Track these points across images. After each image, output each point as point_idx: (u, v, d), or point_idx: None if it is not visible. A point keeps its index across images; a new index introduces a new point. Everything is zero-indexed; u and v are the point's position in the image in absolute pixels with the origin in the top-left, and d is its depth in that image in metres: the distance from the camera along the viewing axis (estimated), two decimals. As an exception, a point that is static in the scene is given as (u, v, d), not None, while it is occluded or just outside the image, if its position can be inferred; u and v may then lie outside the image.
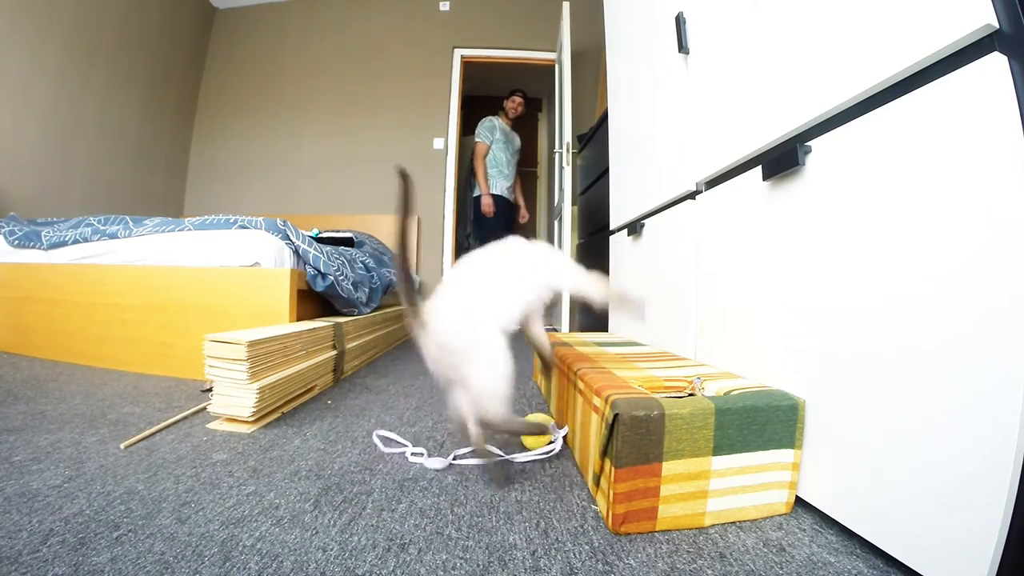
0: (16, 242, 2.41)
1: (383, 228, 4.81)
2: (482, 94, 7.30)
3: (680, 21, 1.56)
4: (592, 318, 3.19)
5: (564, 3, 4.22)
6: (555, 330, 4.03)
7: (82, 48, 3.93)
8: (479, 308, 1.05)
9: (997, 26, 0.63)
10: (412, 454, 1.23)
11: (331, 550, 0.81)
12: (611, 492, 0.88)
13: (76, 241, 2.28)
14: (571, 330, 3.77)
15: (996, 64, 0.62)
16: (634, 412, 0.87)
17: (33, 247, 2.38)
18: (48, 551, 0.77)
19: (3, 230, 2.49)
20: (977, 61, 0.64)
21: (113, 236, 2.22)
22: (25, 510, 0.88)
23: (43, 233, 2.37)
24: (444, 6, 5.36)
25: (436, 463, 1.17)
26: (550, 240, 5.58)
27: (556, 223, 4.58)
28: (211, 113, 5.42)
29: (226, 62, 5.48)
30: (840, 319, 0.87)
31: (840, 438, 0.87)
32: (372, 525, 0.89)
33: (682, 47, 1.55)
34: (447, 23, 5.35)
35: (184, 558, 0.77)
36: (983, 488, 0.62)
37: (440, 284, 1.09)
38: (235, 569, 0.75)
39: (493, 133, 4.73)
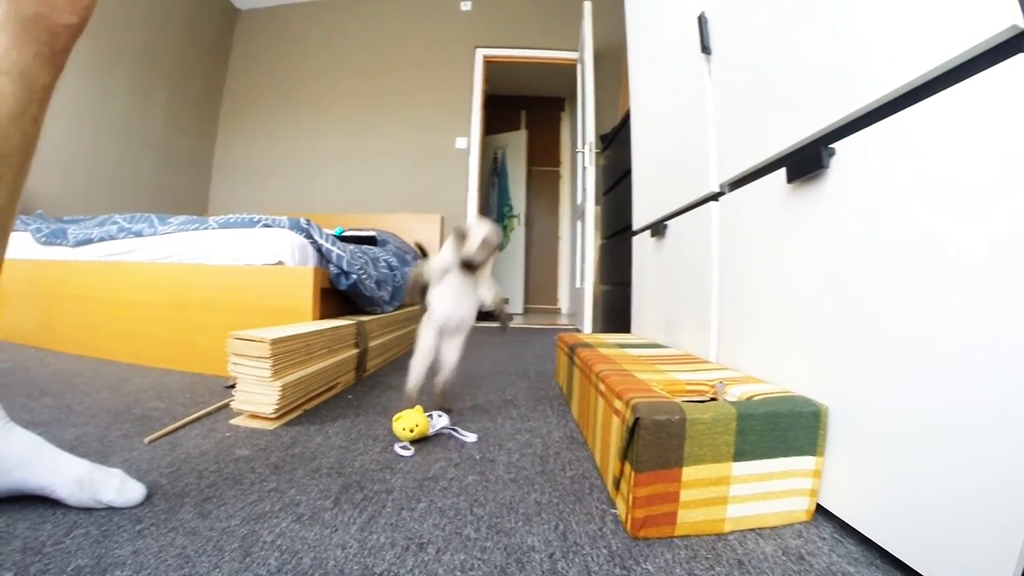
0: (43, 239, 2.45)
1: (406, 227, 4.82)
2: (504, 93, 7.31)
3: (702, 21, 1.55)
4: (613, 320, 3.18)
5: (586, 2, 4.21)
6: (577, 331, 4.02)
7: (107, 49, 4.00)
8: None
9: (1023, 27, 0.61)
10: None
11: (350, 548, 0.81)
12: (631, 496, 0.87)
13: (102, 239, 2.31)
14: (593, 331, 3.76)
15: (1023, 65, 0.61)
16: (655, 416, 0.86)
17: (60, 244, 2.42)
18: (71, 543, 0.78)
19: (30, 227, 2.54)
20: (1004, 62, 0.63)
21: (139, 234, 2.25)
22: (49, 502, 0.89)
23: (69, 231, 2.41)
24: (466, 6, 5.38)
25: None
26: (573, 240, 5.58)
27: (579, 223, 4.57)
28: (234, 113, 5.48)
29: (249, 63, 5.54)
30: (865, 325, 0.86)
31: (863, 446, 0.86)
32: (391, 524, 0.89)
33: (705, 47, 1.54)
34: (469, 23, 5.36)
35: (205, 552, 0.78)
36: (1009, 501, 0.61)
37: None
38: (255, 564, 0.76)
39: None
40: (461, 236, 1.40)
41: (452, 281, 1.47)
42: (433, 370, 1.55)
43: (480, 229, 1.41)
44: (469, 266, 1.42)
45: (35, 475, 0.88)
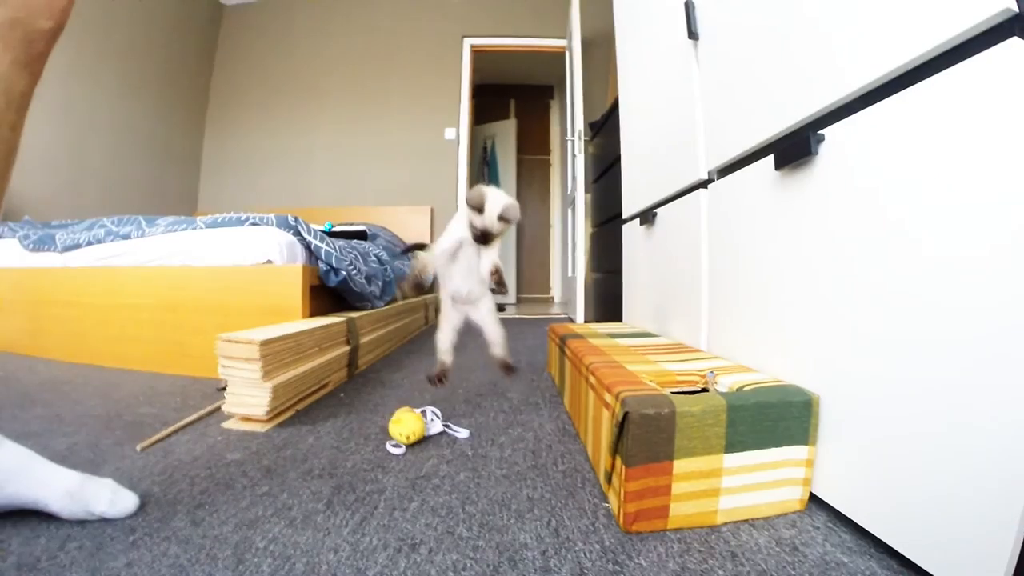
0: (31, 246, 2.44)
1: (396, 219, 4.82)
2: (493, 82, 7.29)
3: (689, 7, 1.53)
4: (606, 307, 3.18)
5: (573, -12, 4.19)
6: (570, 320, 4.03)
7: (91, 48, 3.97)
8: None
9: (1016, 10, 0.61)
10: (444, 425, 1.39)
11: (343, 551, 0.81)
12: (622, 491, 0.87)
13: (90, 243, 2.29)
14: (586, 319, 3.77)
15: (1016, 49, 0.60)
16: (644, 410, 0.86)
17: (48, 250, 2.40)
18: (66, 557, 0.78)
19: (18, 234, 2.52)
20: (997, 46, 0.62)
21: (126, 237, 2.24)
22: (43, 516, 0.88)
23: (57, 236, 2.39)
24: (452, -6, 5.35)
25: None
26: (564, 229, 5.58)
27: (570, 211, 4.56)
28: (222, 109, 5.46)
29: (235, 58, 5.52)
30: (855, 313, 0.86)
31: (855, 434, 0.86)
32: (384, 525, 0.89)
33: (692, 33, 1.53)
34: (456, 12, 5.34)
35: (198, 561, 0.78)
36: (1002, 488, 0.61)
37: None
38: (248, 571, 0.75)
39: None
40: (478, 207, 1.32)
41: (461, 257, 1.43)
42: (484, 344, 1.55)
43: (498, 198, 1.33)
44: (485, 238, 1.36)
45: (26, 489, 0.87)
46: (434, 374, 1.48)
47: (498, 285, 1.41)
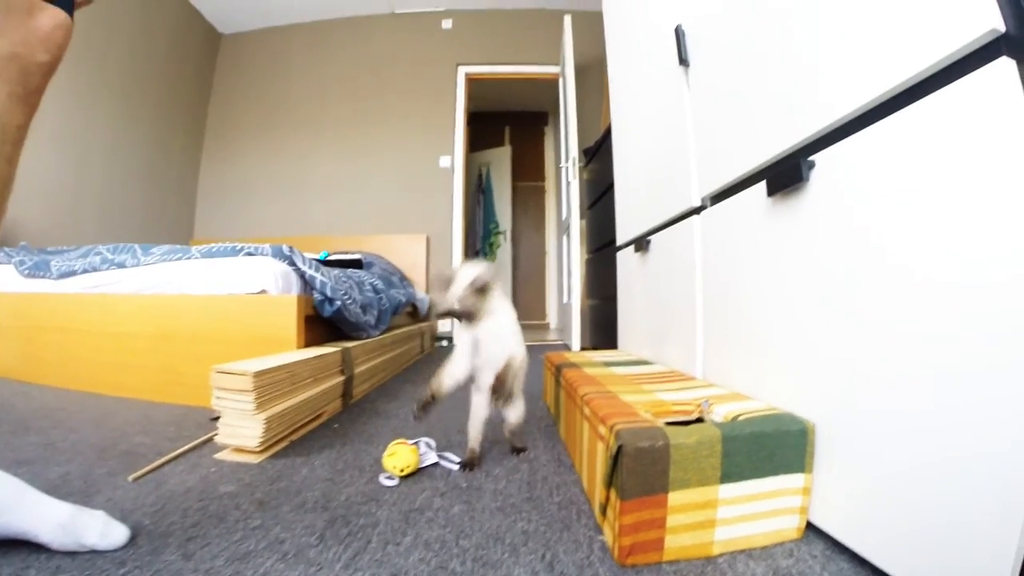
0: (27, 272, 2.43)
1: (392, 247, 4.83)
2: (487, 110, 7.33)
3: (680, 34, 1.55)
4: (601, 333, 3.18)
5: (565, 16, 4.23)
6: (566, 347, 4.02)
7: (90, 77, 3.99)
8: None
9: (1004, 29, 0.61)
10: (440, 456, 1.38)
11: (335, 587, 0.80)
12: (617, 524, 0.87)
13: (85, 270, 2.29)
14: (582, 345, 3.76)
15: (1004, 69, 0.61)
16: (639, 443, 0.86)
17: (43, 277, 2.40)
18: (54, 590, 0.77)
19: (13, 260, 2.52)
20: (986, 66, 0.63)
21: (121, 265, 2.24)
22: (33, 546, 0.87)
23: (52, 262, 2.39)
24: (446, 24, 5.40)
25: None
26: (559, 255, 5.59)
27: (564, 238, 4.58)
28: (219, 137, 5.48)
29: (233, 86, 5.55)
30: (848, 340, 0.86)
31: (852, 462, 0.85)
32: (376, 560, 0.88)
33: (682, 60, 1.55)
34: (450, 41, 5.39)
35: (189, 597, 0.77)
36: (1000, 515, 0.60)
37: None
38: (239, 608, 0.75)
39: None
40: (444, 282, 1.25)
41: (481, 349, 1.33)
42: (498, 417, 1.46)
43: (467, 271, 1.24)
44: (459, 316, 1.26)
45: (17, 520, 0.86)
46: (465, 461, 1.35)
47: (494, 395, 1.34)
